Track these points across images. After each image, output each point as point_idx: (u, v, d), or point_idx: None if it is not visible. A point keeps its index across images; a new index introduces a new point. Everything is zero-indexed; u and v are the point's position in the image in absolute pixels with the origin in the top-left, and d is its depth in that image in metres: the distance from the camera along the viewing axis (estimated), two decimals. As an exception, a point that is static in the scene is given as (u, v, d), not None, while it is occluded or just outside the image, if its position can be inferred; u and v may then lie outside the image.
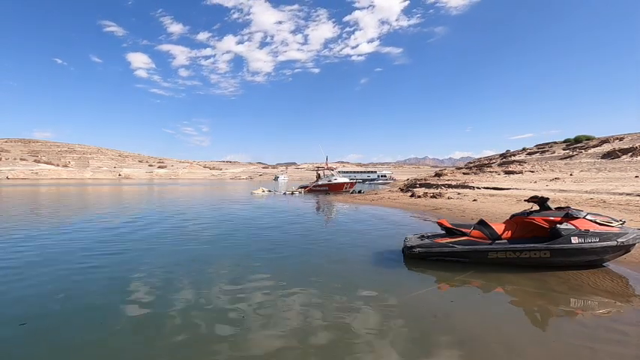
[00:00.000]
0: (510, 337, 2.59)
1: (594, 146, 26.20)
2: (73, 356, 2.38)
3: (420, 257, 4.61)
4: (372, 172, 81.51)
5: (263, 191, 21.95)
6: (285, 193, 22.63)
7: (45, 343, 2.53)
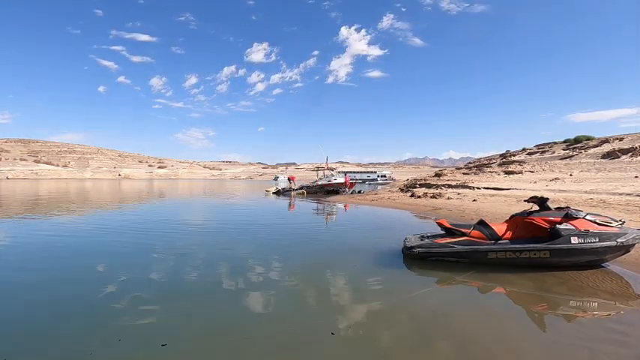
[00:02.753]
0: (510, 338, 2.60)
1: (594, 146, 26.20)
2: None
3: (419, 257, 4.61)
4: (372, 172, 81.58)
5: (276, 189, 23.49)
6: (286, 191, 22.95)
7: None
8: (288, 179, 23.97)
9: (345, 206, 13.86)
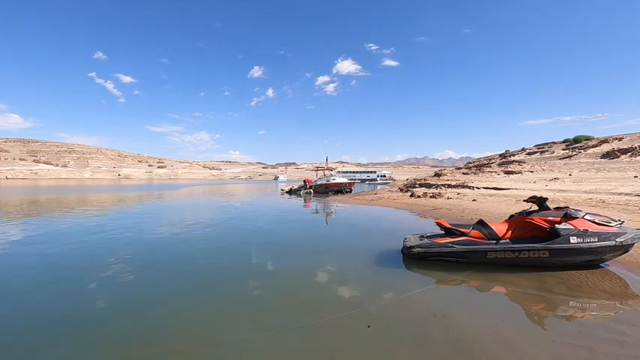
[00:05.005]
0: (509, 337, 2.59)
1: (593, 146, 26.20)
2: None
3: (419, 257, 4.61)
4: (371, 172, 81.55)
5: (290, 188, 25.57)
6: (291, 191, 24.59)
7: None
8: (304, 182, 26.02)
9: (345, 206, 13.86)
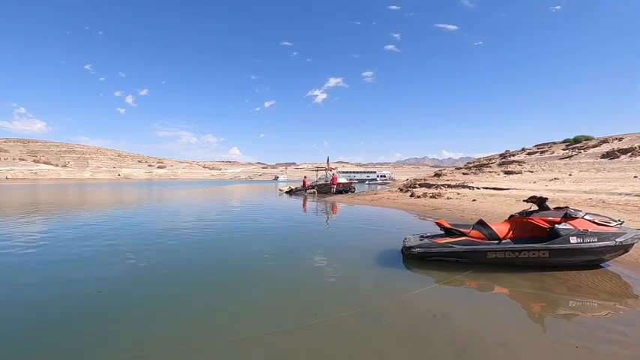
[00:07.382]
0: (509, 337, 2.59)
1: (593, 146, 26.18)
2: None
3: (419, 257, 4.61)
4: (371, 172, 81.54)
5: (289, 188, 25.18)
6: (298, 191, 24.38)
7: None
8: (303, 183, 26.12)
9: (345, 206, 13.87)
